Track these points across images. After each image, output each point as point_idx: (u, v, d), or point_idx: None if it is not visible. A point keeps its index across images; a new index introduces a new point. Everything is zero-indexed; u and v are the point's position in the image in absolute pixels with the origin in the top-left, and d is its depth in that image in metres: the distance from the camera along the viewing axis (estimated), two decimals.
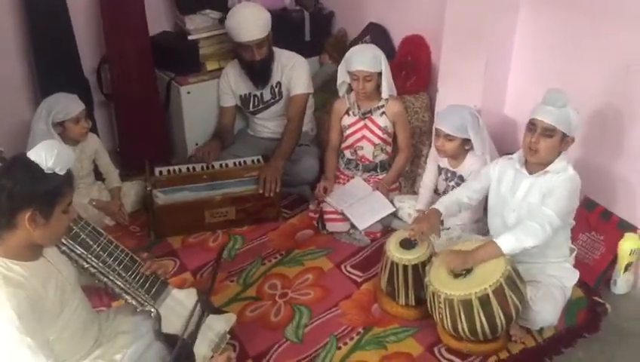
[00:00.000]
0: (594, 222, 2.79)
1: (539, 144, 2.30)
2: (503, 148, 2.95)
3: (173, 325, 2.15)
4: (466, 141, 2.76)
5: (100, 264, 2.05)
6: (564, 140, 2.31)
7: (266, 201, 3.11)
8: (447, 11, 3.01)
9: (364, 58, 2.97)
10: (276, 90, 3.40)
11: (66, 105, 2.90)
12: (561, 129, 2.27)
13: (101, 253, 2.06)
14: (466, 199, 2.61)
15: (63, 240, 1.99)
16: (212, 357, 2.17)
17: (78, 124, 2.93)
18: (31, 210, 1.70)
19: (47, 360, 1.71)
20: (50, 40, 3.22)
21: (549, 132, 2.28)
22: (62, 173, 1.74)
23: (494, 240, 2.31)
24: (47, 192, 1.72)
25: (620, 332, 2.53)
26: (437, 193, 3.01)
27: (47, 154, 1.70)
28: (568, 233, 2.49)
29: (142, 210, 3.21)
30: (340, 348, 2.43)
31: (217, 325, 2.29)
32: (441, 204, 2.58)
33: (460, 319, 2.26)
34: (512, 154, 2.54)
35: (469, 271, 2.31)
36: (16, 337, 1.67)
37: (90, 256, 2.04)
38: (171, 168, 3.14)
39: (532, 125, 2.33)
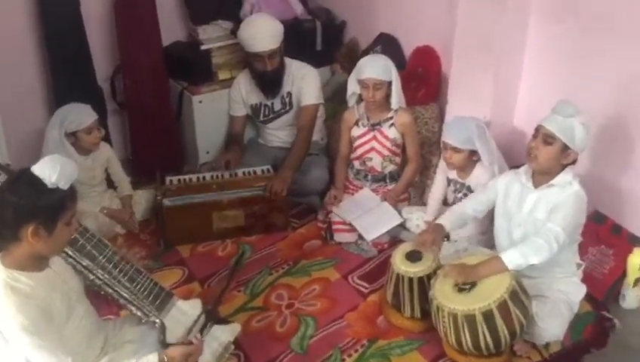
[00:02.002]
0: (604, 235, 2.77)
1: (538, 150, 2.30)
2: (512, 159, 2.93)
3: (178, 335, 2.17)
4: (474, 152, 2.76)
5: (106, 275, 2.08)
6: (566, 152, 2.29)
7: (274, 205, 3.12)
8: (458, 23, 3.01)
9: (375, 66, 2.99)
10: (287, 100, 3.42)
11: (79, 115, 2.95)
12: (562, 138, 2.25)
13: (107, 264, 2.09)
14: (471, 211, 2.61)
15: (70, 252, 2.02)
16: None
17: (91, 134, 2.98)
18: (34, 224, 1.73)
19: (66, 357, 1.77)
20: (64, 49, 3.28)
21: (549, 139, 2.27)
22: (65, 187, 1.77)
23: (499, 255, 2.30)
24: (50, 207, 1.75)
25: (627, 347, 2.51)
26: (446, 204, 3.01)
27: (50, 170, 1.74)
28: (575, 248, 2.47)
29: (152, 218, 3.25)
30: (344, 360, 2.44)
31: (222, 335, 2.30)
32: (446, 219, 2.58)
33: (464, 334, 2.25)
34: (519, 167, 2.54)
35: (473, 285, 2.30)
36: (32, 342, 1.73)
37: (95, 267, 2.06)
38: (182, 177, 3.17)
39: (536, 131, 2.34)
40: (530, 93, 3.06)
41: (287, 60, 3.38)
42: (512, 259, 2.25)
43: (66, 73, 3.30)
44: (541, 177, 2.38)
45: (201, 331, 2.21)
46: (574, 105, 2.28)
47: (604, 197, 2.75)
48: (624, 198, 2.74)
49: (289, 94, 3.40)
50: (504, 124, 3.10)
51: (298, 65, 3.40)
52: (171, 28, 3.67)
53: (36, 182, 1.74)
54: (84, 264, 2.06)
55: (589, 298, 2.56)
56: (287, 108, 3.43)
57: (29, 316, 1.73)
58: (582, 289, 2.47)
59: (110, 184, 3.27)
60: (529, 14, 2.90)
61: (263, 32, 3.22)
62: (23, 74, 3.33)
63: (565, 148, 2.28)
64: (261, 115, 3.48)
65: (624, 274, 2.67)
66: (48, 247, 1.81)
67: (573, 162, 2.34)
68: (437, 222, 2.60)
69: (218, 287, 2.79)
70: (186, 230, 3.08)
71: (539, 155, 2.31)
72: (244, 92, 3.46)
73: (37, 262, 1.85)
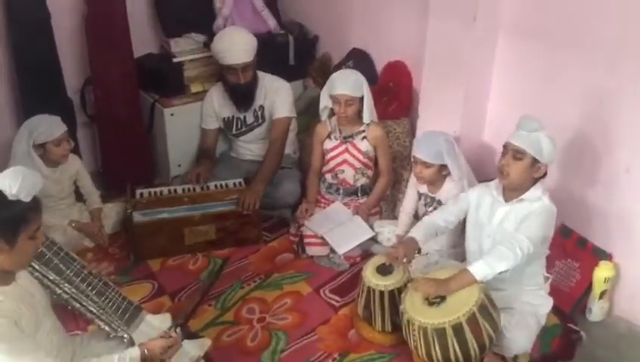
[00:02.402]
0: (570, 249, 2.82)
1: (509, 167, 2.34)
2: (481, 174, 2.98)
3: None
4: (444, 167, 2.79)
5: (73, 289, 2.04)
6: (536, 166, 2.33)
7: (246, 219, 3.11)
8: (428, 40, 3.05)
9: (347, 82, 3.01)
10: (259, 113, 3.42)
11: (48, 127, 2.91)
12: (531, 153, 2.30)
13: (74, 278, 2.05)
14: (442, 223, 2.63)
15: (36, 266, 1.98)
16: None
17: (60, 146, 2.94)
18: None
19: (46, 358, 1.74)
20: (34, 60, 3.24)
21: (518, 155, 2.31)
22: (27, 199, 1.73)
23: (467, 268, 2.32)
24: (10, 219, 1.71)
25: (594, 359, 2.54)
26: (417, 218, 3.03)
27: (11, 181, 1.70)
28: (543, 262, 2.51)
29: (122, 232, 3.21)
30: None
31: (192, 350, 2.27)
32: (418, 232, 2.60)
33: (434, 347, 2.26)
34: (490, 180, 2.57)
35: (443, 299, 2.31)
36: (9, 351, 1.69)
37: (63, 281, 2.03)
38: (152, 190, 3.15)
39: (505, 148, 2.38)
40: (499, 109, 3.11)
41: (260, 74, 3.39)
42: (479, 270, 2.28)
43: (36, 85, 3.26)
44: (512, 193, 2.42)
45: None
46: (537, 119, 2.33)
47: (571, 211, 2.80)
48: (590, 212, 2.79)
49: (261, 107, 3.41)
50: (473, 138, 3.15)
51: (271, 79, 3.41)
52: (143, 40, 3.66)
53: None
54: (50, 278, 2.02)
55: (556, 310, 2.60)
56: (260, 121, 3.44)
57: (1, 325, 1.69)
58: (549, 302, 2.51)
59: (79, 197, 3.23)
60: (498, 31, 2.96)
61: (237, 45, 3.22)
62: None
63: (535, 161, 2.33)
64: (233, 128, 3.48)
65: (590, 287, 2.72)
66: (11, 261, 1.77)
67: (544, 175, 2.38)
68: (409, 235, 2.61)
69: (189, 301, 2.77)
70: (156, 245, 3.04)
71: (510, 172, 2.34)
72: (216, 105, 3.45)
73: (2, 276, 1.80)
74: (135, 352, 1.91)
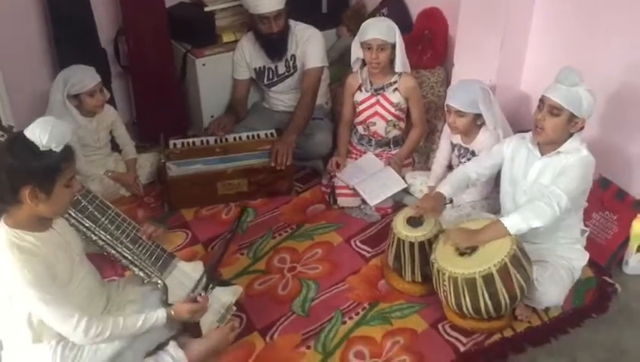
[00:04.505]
0: (608, 201, 2.75)
1: (544, 121, 2.26)
2: (517, 124, 2.91)
3: (179, 296, 2.20)
4: (478, 116, 2.72)
5: (108, 236, 2.11)
6: (573, 121, 2.25)
7: (278, 174, 3.12)
8: None
9: (379, 27, 2.95)
10: (291, 63, 3.38)
11: (82, 77, 2.93)
12: (569, 108, 2.21)
13: (109, 225, 2.11)
14: (474, 175, 2.59)
15: (72, 213, 2.04)
16: (217, 327, 2.23)
17: (93, 97, 2.96)
18: (30, 187, 1.74)
19: (73, 311, 1.81)
20: (67, 11, 3.25)
21: (555, 110, 2.23)
22: (58, 149, 1.76)
23: (501, 219, 2.29)
24: (44, 169, 1.76)
25: (629, 313, 2.51)
26: (450, 169, 2.98)
27: (41, 132, 1.73)
28: (580, 215, 2.46)
29: (157, 181, 3.26)
30: (345, 323, 2.46)
31: (224, 297, 2.33)
32: (446, 185, 2.57)
33: (464, 297, 2.26)
34: (526, 131, 2.50)
35: (474, 249, 2.30)
36: (37, 295, 1.76)
37: (98, 228, 2.09)
38: (186, 141, 3.17)
39: (541, 102, 2.30)
40: (538, 57, 3.01)
41: (292, 22, 3.33)
42: (513, 223, 2.24)
43: (70, 35, 3.27)
44: (548, 146, 2.35)
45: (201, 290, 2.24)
46: (577, 72, 2.23)
47: (610, 163, 2.72)
48: (629, 164, 2.71)
49: (293, 57, 3.36)
50: (510, 88, 3.06)
51: (302, 28, 3.35)
52: None
53: (29, 145, 1.74)
54: (86, 225, 2.08)
55: (591, 263, 2.55)
56: (291, 71, 3.40)
57: (34, 271, 1.76)
58: (585, 256, 2.47)
59: (115, 147, 3.27)
60: None
61: None
62: (26, 36, 3.31)
63: (572, 117, 2.24)
64: (265, 79, 3.45)
65: (628, 240, 2.66)
66: (49, 209, 1.82)
67: (581, 128, 2.30)
68: (437, 190, 2.58)
69: (217, 250, 2.81)
70: (190, 195, 3.09)
71: (546, 127, 2.26)
72: (247, 55, 3.42)
73: (41, 223, 1.87)
74: (162, 314, 2.00)
